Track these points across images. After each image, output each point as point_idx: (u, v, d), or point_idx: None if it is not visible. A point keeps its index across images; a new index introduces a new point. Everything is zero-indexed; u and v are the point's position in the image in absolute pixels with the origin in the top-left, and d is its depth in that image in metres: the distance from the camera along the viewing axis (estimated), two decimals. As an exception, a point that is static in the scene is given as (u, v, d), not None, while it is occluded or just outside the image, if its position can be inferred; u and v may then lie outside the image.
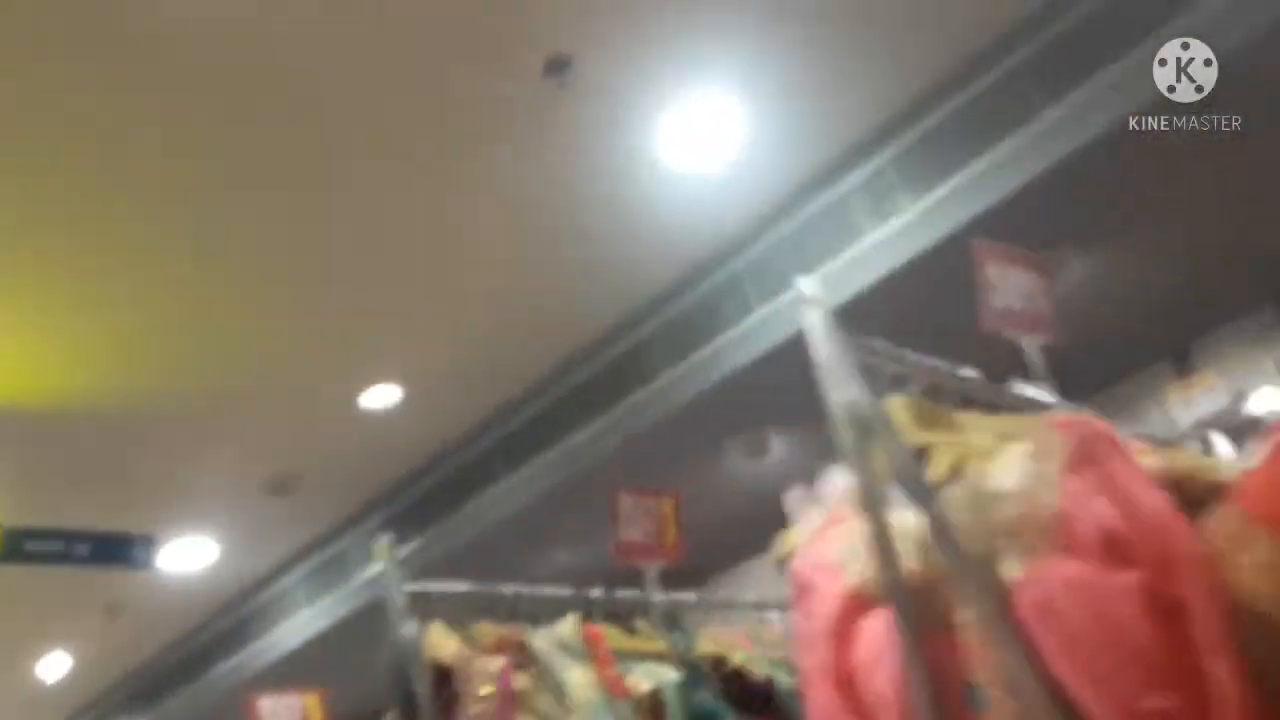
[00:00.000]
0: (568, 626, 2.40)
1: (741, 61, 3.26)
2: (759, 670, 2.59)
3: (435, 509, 5.18)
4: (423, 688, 2.36)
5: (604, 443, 4.66)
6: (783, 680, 2.58)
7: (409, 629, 2.44)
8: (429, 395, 4.90)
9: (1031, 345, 2.40)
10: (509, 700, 2.22)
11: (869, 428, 1.61)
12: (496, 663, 2.28)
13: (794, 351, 4.04)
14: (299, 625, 6.70)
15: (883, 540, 1.57)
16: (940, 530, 1.50)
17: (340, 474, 5.51)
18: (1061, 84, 3.19)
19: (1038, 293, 2.44)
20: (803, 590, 1.78)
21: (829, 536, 1.76)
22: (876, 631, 1.62)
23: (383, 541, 2.51)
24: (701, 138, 3.52)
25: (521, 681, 2.23)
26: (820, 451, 5.28)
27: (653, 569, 3.25)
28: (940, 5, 3.20)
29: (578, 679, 2.26)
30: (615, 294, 4.42)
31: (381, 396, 4.93)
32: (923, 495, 1.53)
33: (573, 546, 4.89)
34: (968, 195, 3.24)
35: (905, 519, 1.63)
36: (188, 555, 6.58)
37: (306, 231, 4.05)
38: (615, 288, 4.36)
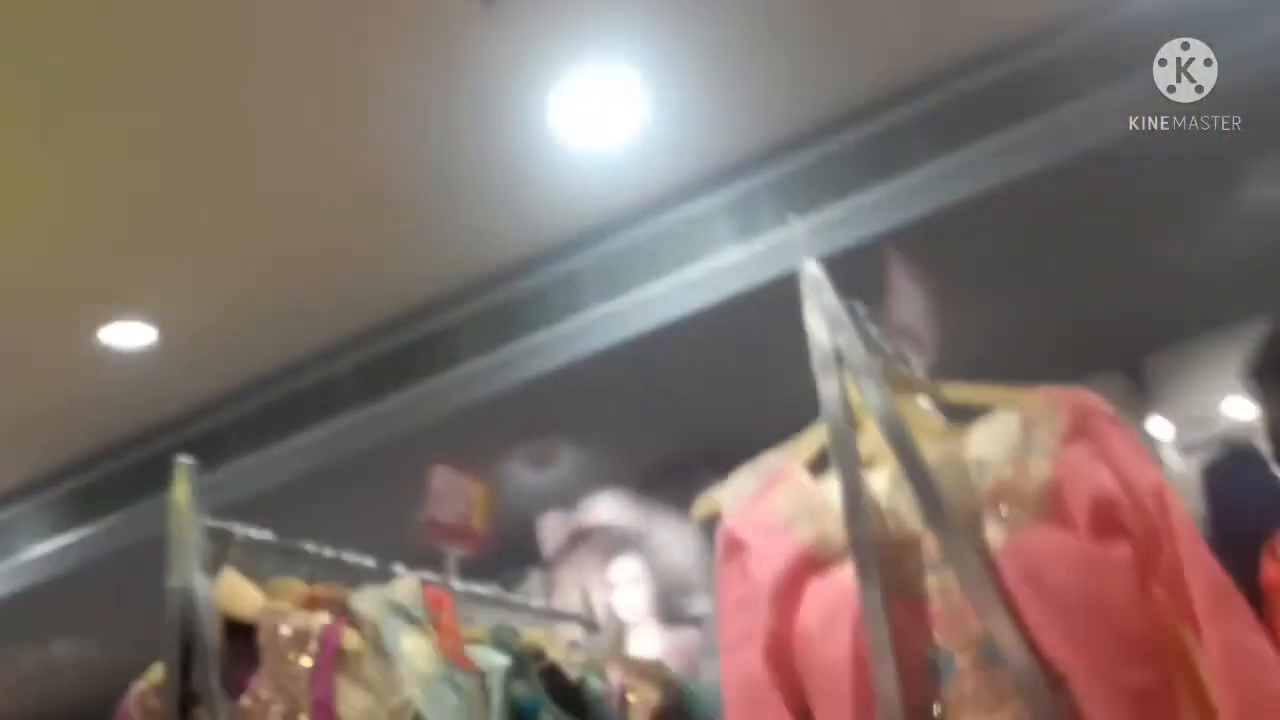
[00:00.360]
0: (406, 588, 2.14)
1: (648, 38, 3.13)
2: (572, 670, 2.46)
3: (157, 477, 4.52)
4: (212, 643, 2.02)
5: (385, 426, 4.31)
6: (594, 684, 2.47)
7: (198, 573, 2.10)
8: (187, 344, 4.27)
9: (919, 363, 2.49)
10: (333, 662, 1.94)
11: (855, 377, 1.56)
12: (320, 619, 2.00)
13: (619, 360, 3.98)
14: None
15: (855, 493, 1.51)
16: (925, 488, 1.47)
17: (50, 423, 4.67)
18: (954, 139, 3.38)
19: (926, 313, 2.53)
20: (733, 551, 1.68)
21: (771, 497, 1.68)
22: (827, 594, 1.55)
23: (185, 463, 2.15)
24: (596, 110, 3.40)
25: (351, 642, 1.95)
26: (593, 476, 5.13)
27: (454, 555, 3.05)
28: (856, 36, 3.28)
29: (415, 647, 2.01)
30: (438, 268, 4.09)
31: (127, 335, 4.25)
32: (909, 451, 1.49)
33: (331, 535, 4.44)
34: (835, 230, 3.33)
35: (870, 482, 1.59)
36: None
37: (57, 125, 3.29)
38: (440, 262, 4.04)
